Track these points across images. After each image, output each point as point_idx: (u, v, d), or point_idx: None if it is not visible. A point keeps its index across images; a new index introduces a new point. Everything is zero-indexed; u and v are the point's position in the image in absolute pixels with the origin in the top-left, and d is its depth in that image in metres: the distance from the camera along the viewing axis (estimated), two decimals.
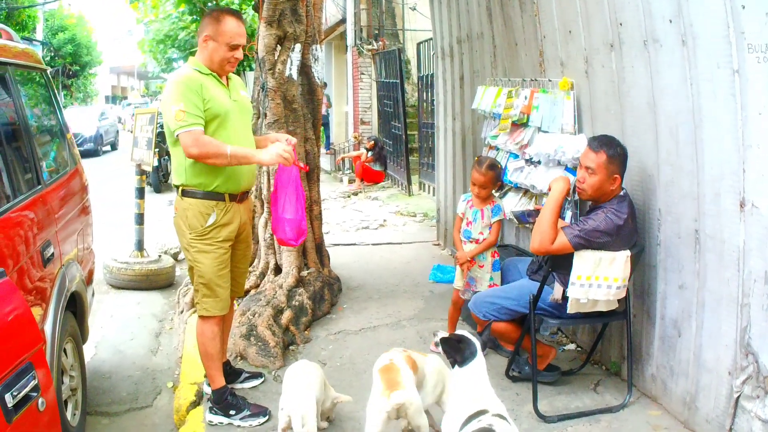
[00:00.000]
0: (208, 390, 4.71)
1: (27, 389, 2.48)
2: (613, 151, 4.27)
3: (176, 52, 24.01)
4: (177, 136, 4.12)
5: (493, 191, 5.43)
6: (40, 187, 4.17)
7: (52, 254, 4.03)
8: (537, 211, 4.74)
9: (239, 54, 4.35)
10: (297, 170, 4.57)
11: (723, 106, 3.66)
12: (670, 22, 3.97)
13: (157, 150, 13.21)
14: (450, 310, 5.68)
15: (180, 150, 4.19)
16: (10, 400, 2.35)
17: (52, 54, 42.78)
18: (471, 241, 5.34)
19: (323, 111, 19.62)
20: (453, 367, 3.52)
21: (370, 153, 15.89)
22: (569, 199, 4.94)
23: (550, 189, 4.50)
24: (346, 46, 19.23)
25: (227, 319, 4.80)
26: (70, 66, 46.09)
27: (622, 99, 4.63)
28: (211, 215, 4.29)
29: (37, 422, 2.57)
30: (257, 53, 6.54)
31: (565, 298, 4.36)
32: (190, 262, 4.41)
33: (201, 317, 4.47)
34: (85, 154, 20.02)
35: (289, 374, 4.11)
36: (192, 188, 4.30)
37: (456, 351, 3.48)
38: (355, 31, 18.38)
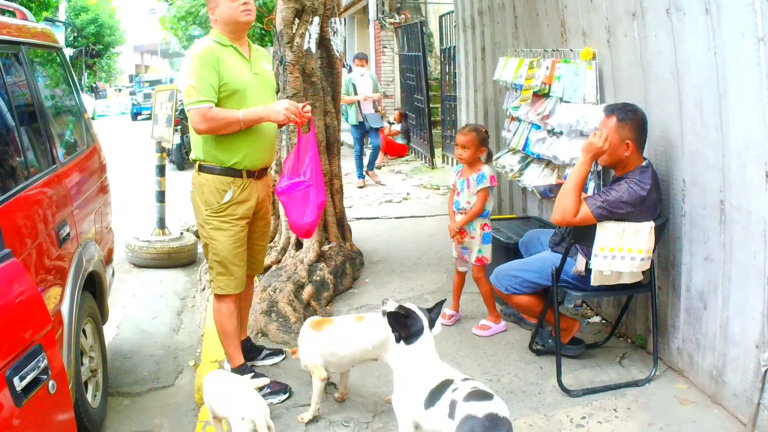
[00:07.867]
0: (228, 368, 4.69)
1: (36, 372, 2.45)
2: (623, 115, 4.20)
3: (197, 29, 23.87)
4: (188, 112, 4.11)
5: (481, 158, 5.30)
6: (55, 166, 4.14)
7: (69, 234, 4.01)
8: (559, 186, 4.66)
9: None
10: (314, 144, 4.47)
11: (748, 76, 3.56)
12: None
13: (179, 127, 13.29)
14: (454, 279, 5.65)
15: None
16: (18, 384, 2.32)
17: (75, 34, 43.04)
18: (460, 212, 5.29)
19: None
20: (398, 342, 3.44)
21: (398, 126, 15.77)
22: (592, 169, 4.86)
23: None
24: (369, 20, 19.13)
25: (246, 297, 4.79)
26: (93, 46, 46.36)
27: (646, 69, 4.53)
28: (228, 192, 4.25)
29: (48, 405, 2.54)
30: (275, 27, 6.48)
31: (588, 270, 4.29)
32: (205, 239, 4.38)
33: (216, 295, 4.46)
34: None
35: (227, 382, 3.78)
36: (209, 164, 4.26)
37: (402, 327, 3.41)
38: (378, 4, 18.27)
